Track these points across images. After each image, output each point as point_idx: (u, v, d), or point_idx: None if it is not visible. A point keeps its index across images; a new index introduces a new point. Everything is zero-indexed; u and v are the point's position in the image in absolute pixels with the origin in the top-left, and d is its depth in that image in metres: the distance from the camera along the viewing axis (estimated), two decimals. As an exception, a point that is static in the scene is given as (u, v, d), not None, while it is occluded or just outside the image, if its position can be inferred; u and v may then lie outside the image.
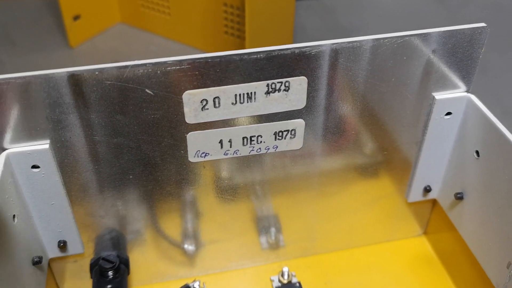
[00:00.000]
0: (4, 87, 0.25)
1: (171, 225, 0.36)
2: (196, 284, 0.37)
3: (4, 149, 0.27)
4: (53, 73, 0.25)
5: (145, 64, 0.26)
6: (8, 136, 0.27)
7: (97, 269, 0.35)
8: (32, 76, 0.25)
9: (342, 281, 0.39)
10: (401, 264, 0.41)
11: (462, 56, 0.31)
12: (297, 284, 0.38)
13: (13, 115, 0.26)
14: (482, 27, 0.30)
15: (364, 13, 0.88)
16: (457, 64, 0.31)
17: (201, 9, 0.98)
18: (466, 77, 0.32)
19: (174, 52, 1.01)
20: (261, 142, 0.31)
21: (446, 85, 0.32)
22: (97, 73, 0.26)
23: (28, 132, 0.27)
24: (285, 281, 0.38)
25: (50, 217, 0.31)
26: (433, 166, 0.36)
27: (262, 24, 0.88)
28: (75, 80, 0.26)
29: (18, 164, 0.28)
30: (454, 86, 0.32)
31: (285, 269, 0.38)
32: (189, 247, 0.38)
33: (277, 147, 0.32)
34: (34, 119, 0.27)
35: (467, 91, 0.33)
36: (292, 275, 0.38)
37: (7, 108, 0.26)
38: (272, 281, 0.39)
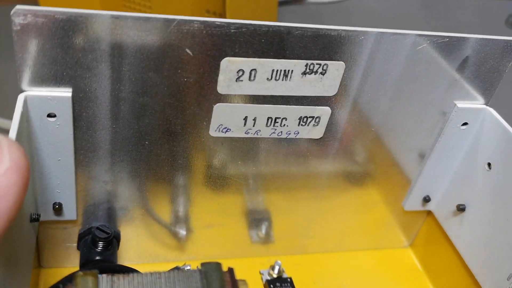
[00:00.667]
0: (40, 21, 0.23)
1: (162, 206, 0.34)
2: (187, 268, 0.35)
3: (22, 91, 0.25)
4: (97, 14, 0.23)
5: (193, 21, 0.25)
6: (30, 76, 0.25)
7: (88, 239, 0.32)
8: (74, 13, 0.23)
9: (331, 282, 0.39)
10: (387, 272, 0.40)
11: (491, 67, 0.31)
12: (289, 279, 0.37)
13: (41, 54, 0.24)
14: (513, 41, 0.31)
15: (350, 19, 0.89)
16: (484, 74, 0.32)
17: (184, 15, 0.96)
18: (489, 89, 0.33)
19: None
20: (284, 125, 0.31)
21: (469, 95, 0.33)
22: (142, 21, 0.24)
23: (53, 76, 0.25)
24: (275, 275, 0.37)
25: (53, 175, 0.29)
26: (437, 176, 0.37)
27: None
28: (117, 25, 0.24)
29: (34, 109, 0.26)
30: (475, 98, 0.33)
31: (278, 263, 0.37)
32: (180, 230, 0.36)
33: (298, 133, 0.31)
34: (63, 62, 0.25)
35: (486, 104, 0.33)
36: (282, 270, 0.37)
37: (37, 45, 0.24)
38: (262, 274, 0.37)
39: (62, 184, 0.29)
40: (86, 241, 0.33)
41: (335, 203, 0.38)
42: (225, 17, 0.85)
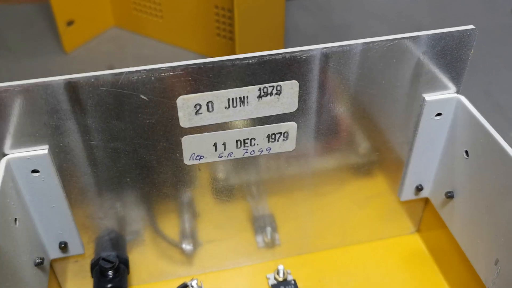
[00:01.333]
0: (3, 95, 0.26)
1: (169, 226, 0.37)
2: (194, 283, 0.38)
3: (4, 155, 0.28)
4: (50, 81, 0.26)
5: (139, 71, 0.27)
6: (8, 142, 0.28)
7: (98, 269, 0.35)
8: (30, 84, 0.26)
9: (337, 278, 0.40)
10: (394, 261, 0.41)
11: (452, 58, 0.31)
12: (292, 282, 0.39)
13: (13, 121, 0.27)
14: (471, 29, 0.31)
15: (357, 10, 0.89)
16: (447, 66, 0.32)
17: (193, 12, 0.98)
18: (456, 79, 0.33)
19: (167, 54, 1.02)
20: (254, 144, 0.32)
21: (436, 86, 0.33)
22: (92, 80, 0.26)
23: (28, 138, 0.28)
24: (280, 279, 0.39)
25: (51, 220, 0.32)
26: (425, 166, 0.37)
27: (252, 25, 0.88)
28: (71, 87, 0.26)
29: (18, 168, 0.29)
30: (444, 88, 0.33)
31: (280, 267, 0.39)
32: (187, 246, 0.39)
33: (270, 149, 0.33)
34: (33, 125, 0.28)
35: (457, 92, 0.33)
36: (287, 272, 0.39)
37: (7, 115, 0.27)
38: (268, 279, 0.40)
39: (62, 226, 0.33)
40: (97, 270, 0.36)
41: (335, 199, 0.39)
42: (233, 13, 0.87)
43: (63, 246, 0.33)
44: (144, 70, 0.27)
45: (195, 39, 1.02)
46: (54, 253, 0.34)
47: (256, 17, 0.88)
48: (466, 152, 0.33)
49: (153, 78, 0.27)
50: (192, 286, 0.37)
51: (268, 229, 0.40)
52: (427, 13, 0.97)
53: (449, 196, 0.36)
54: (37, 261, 0.31)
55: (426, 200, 0.41)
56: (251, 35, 0.89)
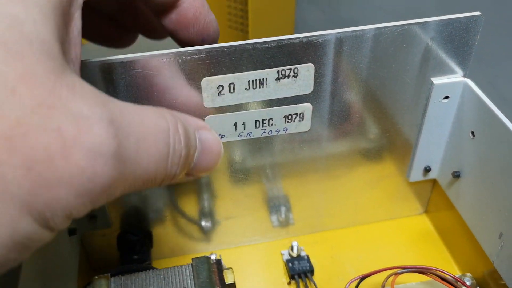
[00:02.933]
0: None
1: (189, 204, 0.39)
2: (213, 257, 0.40)
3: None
4: (87, 62, 0.28)
5: (167, 53, 0.29)
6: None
7: (124, 242, 0.38)
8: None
9: (348, 255, 0.42)
10: (403, 240, 0.43)
11: (459, 43, 0.33)
12: (306, 257, 0.41)
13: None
14: (477, 15, 0.32)
15: (365, 5, 0.90)
16: (454, 50, 0.34)
17: (206, 4, 1.00)
18: (463, 63, 0.34)
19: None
20: (272, 124, 0.34)
21: (444, 70, 0.35)
22: (125, 61, 0.29)
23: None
24: (294, 255, 0.41)
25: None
26: (432, 147, 0.39)
27: (264, 18, 0.91)
28: (106, 68, 0.29)
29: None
30: (452, 72, 0.35)
31: (295, 243, 0.41)
32: (206, 223, 0.41)
33: (286, 129, 0.35)
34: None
35: (464, 76, 0.35)
36: (301, 249, 0.41)
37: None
38: (282, 254, 0.42)
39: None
40: (124, 243, 0.38)
41: (347, 181, 0.41)
42: (246, 5, 0.89)
43: (93, 220, 0.36)
44: (172, 53, 0.29)
45: (207, 30, 1.04)
46: (84, 225, 0.36)
47: (269, 10, 0.90)
48: (472, 132, 0.35)
49: (179, 60, 0.29)
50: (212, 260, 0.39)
51: (283, 208, 0.42)
52: (435, 9, 0.98)
53: (456, 175, 0.38)
54: (70, 230, 0.33)
55: (434, 182, 0.43)
56: (263, 27, 0.91)
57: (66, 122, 0.16)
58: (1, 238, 0.15)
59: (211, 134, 0.25)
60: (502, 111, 0.33)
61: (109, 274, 0.25)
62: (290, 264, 0.40)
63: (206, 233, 0.42)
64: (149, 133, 0.20)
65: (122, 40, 0.32)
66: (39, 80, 0.16)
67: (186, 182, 0.25)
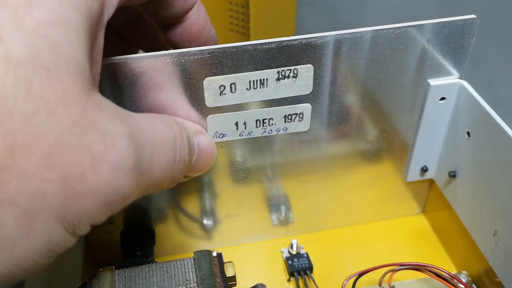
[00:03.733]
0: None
1: (191, 203, 0.40)
2: (214, 253, 0.41)
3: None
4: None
5: (170, 54, 0.30)
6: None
7: (128, 238, 0.39)
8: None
9: (346, 253, 0.43)
10: (400, 239, 0.44)
11: (455, 45, 0.34)
12: (305, 255, 0.41)
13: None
14: (473, 18, 0.33)
15: (365, 9, 0.91)
16: (450, 52, 0.35)
17: (208, 7, 1.01)
18: (459, 65, 0.35)
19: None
20: (272, 124, 0.35)
21: (440, 72, 0.36)
22: (129, 61, 0.30)
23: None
24: (294, 252, 0.42)
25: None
26: (429, 148, 0.40)
27: (265, 21, 0.92)
28: (110, 67, 0.30)
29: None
30: (448, 73, 0.36)
31: (294, 241, 0.42)
32: (207, 222, 0.42)
33: (286, 129, 0.36)
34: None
35: (460, 78, 0.36)
36: (300, 247, 0.42)
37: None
38: (282, 252, 0.42)
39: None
40: (127, 239, 0.39)
41: (345, 181, 0.42)
42: (247, 8, 0.90)
43: (96, 217, 0.37)
44: (175, 53, 0.30)
45: (209, 34, 1.05)
46: (88, 223, 0.37)
47: (270, 13, 0.91)
48: (468, 133, 0.36)
49: (182, 60, 0.30)
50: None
51: (283, 207, 0.43)
52: (436, 12, 0.99)
53: (452, 175, 0.38)
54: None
55: (431, 183, 0.43)
56: (264, 30, 0.92)
57: (94, 140, 0.18)
58: (37, 246, 0.17)
59: (206, 137, 0.27)
60: (497, 113, 0.34)
61: (114, 267, 0.26)
62: (290, 262, 0.41)
63: (207, 231, 0.43)
64: (160, 143, 0.22)
65: (123, 55, 0.33)
66: (74, 101, 0.18)
67: (183, 182, 0.26)
